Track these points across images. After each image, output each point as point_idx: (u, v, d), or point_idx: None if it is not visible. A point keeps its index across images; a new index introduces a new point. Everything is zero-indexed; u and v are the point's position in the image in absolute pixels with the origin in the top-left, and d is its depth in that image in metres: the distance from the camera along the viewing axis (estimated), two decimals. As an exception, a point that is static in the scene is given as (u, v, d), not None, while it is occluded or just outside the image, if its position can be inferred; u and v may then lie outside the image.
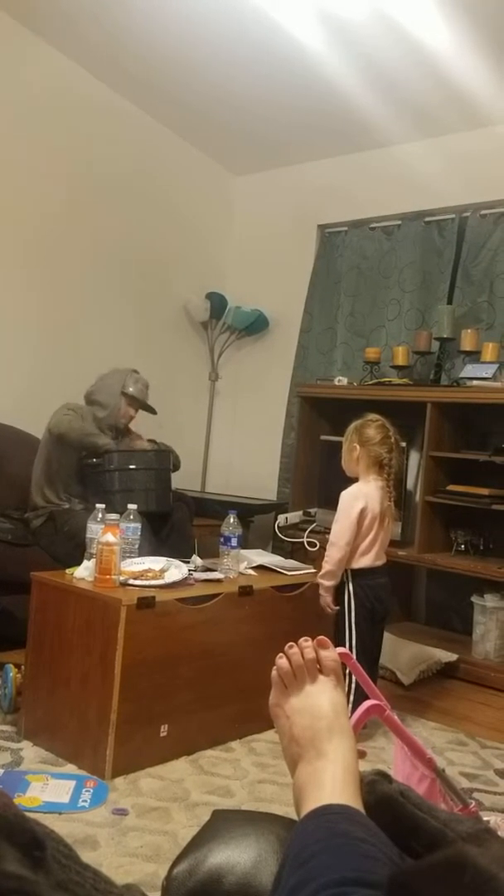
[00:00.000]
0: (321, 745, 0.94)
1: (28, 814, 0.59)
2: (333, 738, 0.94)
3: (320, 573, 2.79)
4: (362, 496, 2.77)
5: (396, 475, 2.87)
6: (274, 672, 1.04)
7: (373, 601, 2.78)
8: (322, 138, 4.47)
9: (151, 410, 3.64)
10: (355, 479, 2.86)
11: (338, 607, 2.77)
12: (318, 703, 0.99)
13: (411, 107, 3.98)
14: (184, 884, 0.85)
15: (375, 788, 0.92)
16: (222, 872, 0.85)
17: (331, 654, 1.03)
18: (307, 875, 0.72)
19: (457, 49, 3.44)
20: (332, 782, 0.89)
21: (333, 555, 2.73)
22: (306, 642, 1.04)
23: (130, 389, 3.53)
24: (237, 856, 0.86)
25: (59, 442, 3.35)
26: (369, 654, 2.77)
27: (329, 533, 2.84)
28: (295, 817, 0.91)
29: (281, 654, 1.04)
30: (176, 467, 3.64)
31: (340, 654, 1.06)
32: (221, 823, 0.95)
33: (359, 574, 2.77)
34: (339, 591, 2.80)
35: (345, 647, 2.42)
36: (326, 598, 2.77)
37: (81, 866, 0.58)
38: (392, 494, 2.84)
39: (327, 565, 2.75)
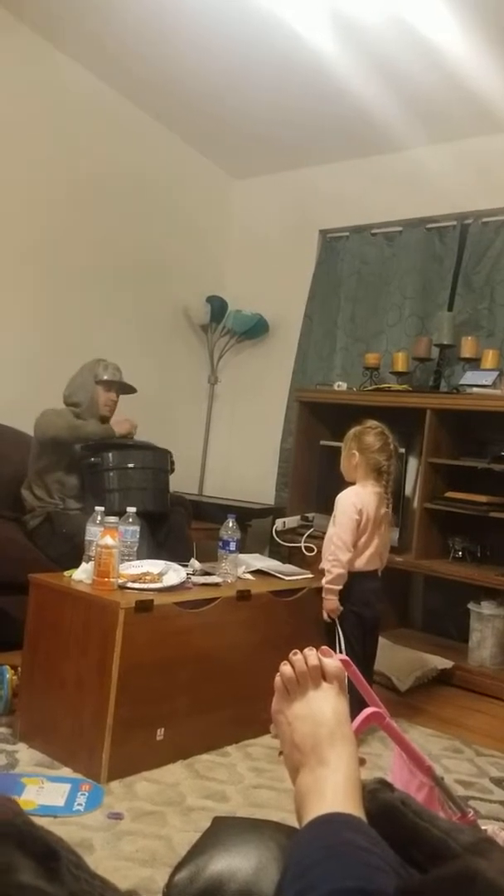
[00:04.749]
0: (323, 753, 0.93)
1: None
2: (335, 746, 0.94)
3: (328, 578, 2.72)
4: (358, 499, 2.77)
5: (394, 482, 2.86)
6: (277, 678, 1.04)
7: (360, 605, 2.76)
8: (324, 143, 4.47)
9: (130, 389, 3.62)
10: (353, 483, 2.86)
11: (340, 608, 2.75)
12: (321, 710, 0.98)
13: (415, 113, 3.98)
14: (184, 891, 0.84)
15: (377, 797, 0.91)
16: (223, 880, 0.84)
17: (334, 661, 1.03)
18: (309, 883, 0.72)
19: (465, 54, 3.44)
20: (334, 791, 0.88)
21: (340, 557, 2.71)
22: (310, 650, 1.04)
23: (105, 376, 3.52)
24: (238, 863, 0.86)
25: (53, 445, 3.35)
26: (360, 661, 2.74)
27: (325, 536, 2.84)
28: (294, 824, 0.91)
29: (285, 661, 1.04)
30: (171, 469, 3.63)
31: (341, 661, 1.06)
32: (222, 830, 0.94)
33: (349, 577, 2.76)
34: None
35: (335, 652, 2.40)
36: (334, 602, 2.72)
37: (90, 875, 0.58)
38: (389, 501, 2.84)
39: (335, 569, 2.71)
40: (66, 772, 2.28)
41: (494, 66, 3.50)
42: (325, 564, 2.78)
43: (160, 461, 3.49)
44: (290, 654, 1.04)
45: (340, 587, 2.73)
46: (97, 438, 3.37)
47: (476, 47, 3.39)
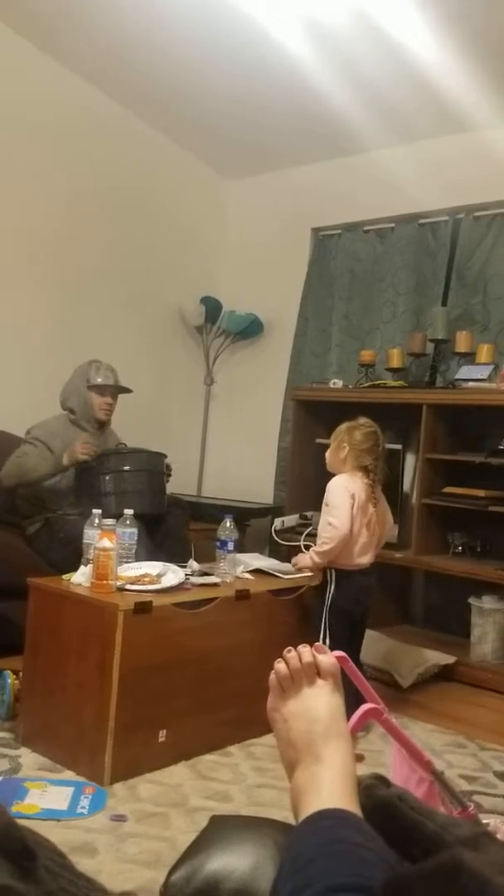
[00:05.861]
0: (318, 750, 0.94)
1: (26, 821, 0.59)
2: (330, 743, 0.94)
3: (318, 546, 2.73)
4: (350, 484, 2.76)
5: (382, 482, 2.85)
6: (272, 676, 1.04)
7: (351, 603, 2.77)
8: (315, 142, 4.47)
9: (125, 390, 3.59)
10: None
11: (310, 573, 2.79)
12: (316, 707, 0.99)
13: (402, 111, 3.99)
14: (181, 890, 0.84)
15: (373, 793, 0.91)
16: (220, 878, 0.84)
17: (328, 658, 1.03)
18: (305, 880, 0.72)
19: (446, 54, 3.46)
20: (330, 787, 0.88)
21: (335, 534, 2.69)
22: (304, 647, 1.04)
23: (98, 380, 3.48)
24: (235, 862, 0.86)
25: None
26: None
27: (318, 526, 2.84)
28: (293, 822, 0.91)
29: (279, 659, 1.04)
30: (168, 474, 3.63)
31: (337, 658, 1.06)
32: (219, 829, 0.94)
33: (341, 574, 2.76)
34: (320, 590, 2.81)
35: None
36: (307, 560, 2.77)
37: (75, 875, 0.58)
38: (376, 498, 2.81)
39: (327, 544, 2.71)
40: (69, 775, 2.29)
41: (472, 67, 3.52)
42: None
43: (155, 463, 3.48)
44: (285, 652, 1.04)
45: (324, 562, 2.74)
46: (48, 477, 3.32)
47: (452, 50, 3.41)
